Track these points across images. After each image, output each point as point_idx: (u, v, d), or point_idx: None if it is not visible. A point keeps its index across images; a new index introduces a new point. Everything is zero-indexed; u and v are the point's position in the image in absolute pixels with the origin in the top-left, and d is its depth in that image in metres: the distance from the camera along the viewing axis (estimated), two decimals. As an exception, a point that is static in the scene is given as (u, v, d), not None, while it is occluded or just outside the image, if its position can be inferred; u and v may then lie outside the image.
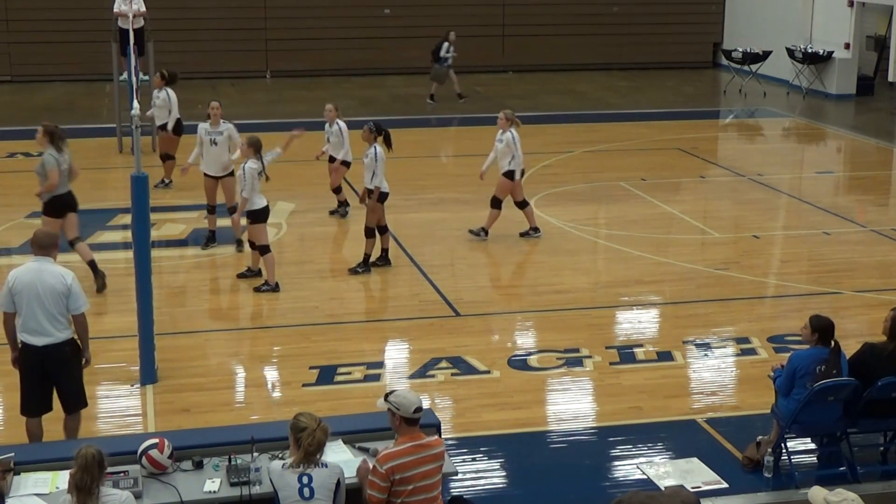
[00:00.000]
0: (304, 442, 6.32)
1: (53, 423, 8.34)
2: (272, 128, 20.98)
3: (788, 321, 11.40)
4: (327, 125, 14.66)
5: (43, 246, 8.18)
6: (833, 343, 8.18)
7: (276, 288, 12.13)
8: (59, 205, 11.88)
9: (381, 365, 10.40)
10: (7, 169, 17.86)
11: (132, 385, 9.81)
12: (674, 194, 16.50)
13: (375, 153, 12.40)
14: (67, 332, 8.14)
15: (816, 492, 5.94)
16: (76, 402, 8.37)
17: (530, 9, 28.01)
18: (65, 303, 8.05)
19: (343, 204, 14.99)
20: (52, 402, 8.31)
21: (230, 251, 13.54)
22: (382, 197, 12.66)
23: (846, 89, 25.11)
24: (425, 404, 6.83)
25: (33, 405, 8.29)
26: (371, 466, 6.59)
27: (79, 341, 8.24)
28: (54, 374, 8.19)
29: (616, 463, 8.60)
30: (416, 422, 6.61)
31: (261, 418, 9.17)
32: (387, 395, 6.70)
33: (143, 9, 18.32)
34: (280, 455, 6.87)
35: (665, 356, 10.61)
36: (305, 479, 6.33)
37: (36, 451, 7.07)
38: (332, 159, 14.78)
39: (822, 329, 8.18)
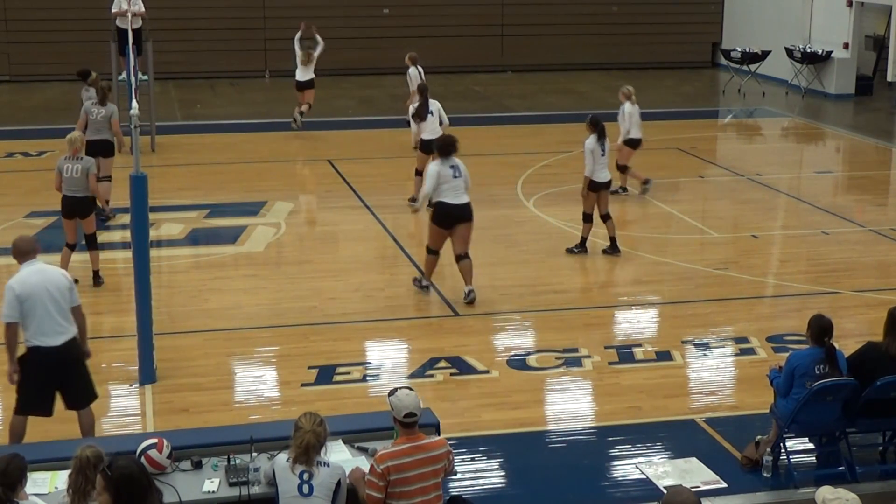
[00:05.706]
0: (295, 442, 6.41)
1: (56, 423, 8.33)
2: (270, 127, 21.06)
3: (787, 321, 11.41)
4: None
5: (26, 252, 8.17)
6: (826, 343, 8.15)
7: None
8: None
9: (379, 365, 10.41)
10: (6, 169, 17.85)
11: (131, 385, 9.81)
12: (672, 194, 16.48)
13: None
14: (74, 326, 8.17)
15: (822, 492, 5.92)
16: (90, 394, 8.37)
17: (529, 8, 28.00)
18: (69, 297, 8.09)
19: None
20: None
21: (229, 251, 13.53)
22: None
23: (845, 89, 25.09)
24: (424, 404, 6.83)
25: (45, 405, 8.17)
26: (366, 470, 6.62)
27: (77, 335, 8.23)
28: (70, 371, 8.15)
29: (615, 463, 8.60)
30: (412, 425, 6.61)
31: (260, 418, 9.17)
32: (391, 392, 6.72)
33: (142, 9, 18.32)
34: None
35: (664, 356, 10.61)
36: (306, 476, 6.38)
37: (35, 451, 7.06)
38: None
39: (816, 328, 8.17)
